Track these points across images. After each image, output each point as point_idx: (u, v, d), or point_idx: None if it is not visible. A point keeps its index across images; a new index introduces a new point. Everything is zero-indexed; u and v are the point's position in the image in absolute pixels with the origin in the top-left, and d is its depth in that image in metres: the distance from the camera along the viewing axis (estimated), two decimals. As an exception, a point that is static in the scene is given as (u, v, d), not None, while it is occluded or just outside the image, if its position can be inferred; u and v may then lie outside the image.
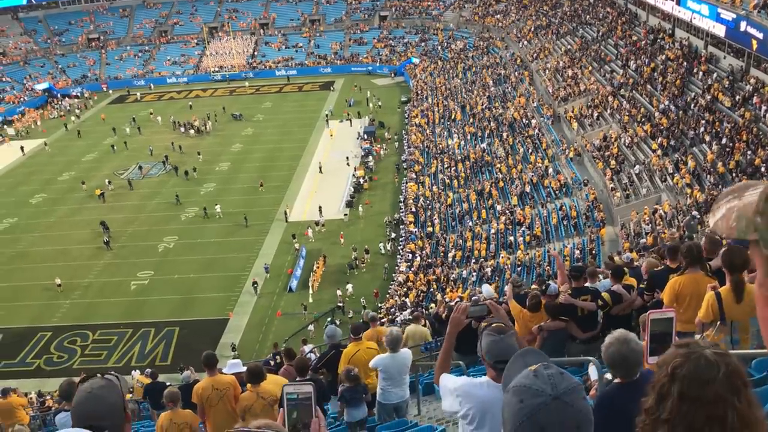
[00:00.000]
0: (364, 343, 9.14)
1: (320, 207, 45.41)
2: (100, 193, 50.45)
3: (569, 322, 8.49)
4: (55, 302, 37.93)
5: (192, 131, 62.81)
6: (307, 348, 16.20)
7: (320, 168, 52.98)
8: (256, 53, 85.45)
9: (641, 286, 8.88)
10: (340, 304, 35.76)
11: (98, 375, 2.58)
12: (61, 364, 32.53)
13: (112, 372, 2.65)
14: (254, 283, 37.94)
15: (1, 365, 33.18)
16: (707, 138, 33.86)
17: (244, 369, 7.78)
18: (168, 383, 11.73)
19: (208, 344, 32.81)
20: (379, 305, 34.40)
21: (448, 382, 3.84)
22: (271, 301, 37.01)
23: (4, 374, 31.36)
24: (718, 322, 5.83)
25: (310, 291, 37.49)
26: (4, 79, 79.76)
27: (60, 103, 75.93)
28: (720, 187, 29.36)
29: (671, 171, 33.82)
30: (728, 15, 35.99)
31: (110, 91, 79.87)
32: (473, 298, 12.13)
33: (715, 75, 38.47)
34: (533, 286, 13.48)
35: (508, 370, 2.50)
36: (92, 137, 64.69)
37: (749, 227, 0.98)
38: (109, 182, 52.35)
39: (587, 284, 9.03)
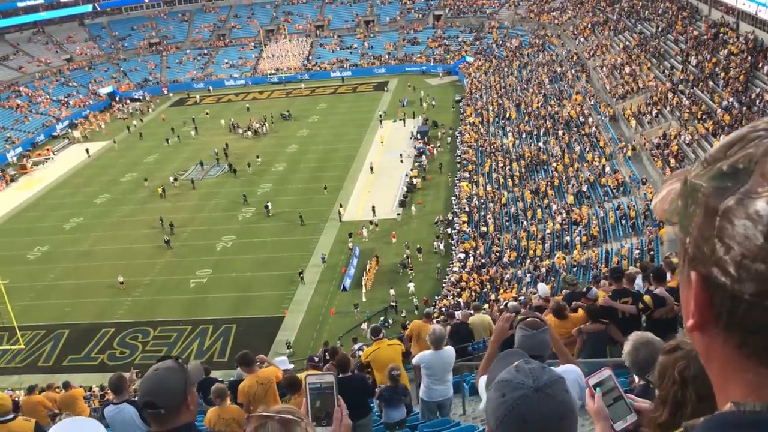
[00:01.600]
0: (384, 342, 9.25)
1: (373, 206, 45.62)
2: (162, 190, 52.09)
3: (609, 324, 8.36)
4: (117, 299, 39.18)
5: (249, 133, 63.94)
6: (356, 346, 16.34)
7: (371, 168, 53.23)
8: (311, 55, 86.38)
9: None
10: (393, 303, 35.86)
11: (172, 358, 2.72)
12: (123, 360, 33.56)
13: (182, 359, 2.81)
14: (300, 272, 39.07)
15: (67, 360, 34.51)
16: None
17: (291, 367, 7.92)
18: (220, 379, 11.97)
19: (264, 341, 33.56)
20: (434, 305, 34.37)
21: (482, 382, 3.91)
22: (325, 300, 37.40)
23: (70, 368, 32.64)
24: None
25: (363, 290, 37.73)
26: (70, 84, 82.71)
27: (123, 106, 78.30)
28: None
29: (734, 169, 32.70)
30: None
31: (171, 94, 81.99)
32: (520, 299, 12.01)
33: (781, 69, 37.09)
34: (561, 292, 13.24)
35: (492, 371, 2.50)
36: (154, 139, 66.55)
37: (674, 210, 0.98)
38: (175, 179, 54.09)
39: (628, 287, 8.86)
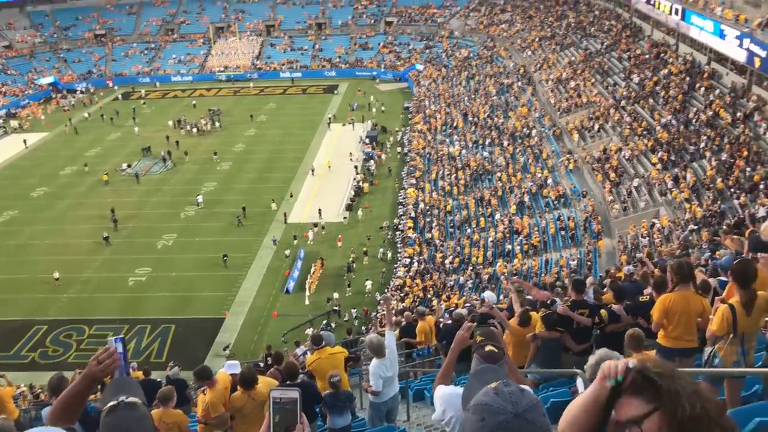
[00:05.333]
0: (326, 350, 9.28)
1: (320, 209, 45.56)
2: (107, 176, 52.37)
3: (564, 333, 8.59)
4: (52, 296, 38.01)
5: (195, 130, 62.99)
6: (299, 350, 16.29)
7: (312, 171, 53.17)
8: (261, 54, 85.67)
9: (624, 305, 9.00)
10: (336, 308, 35.84)
11: (127, 401, 2.44)
12: (56, 358, 32.59)
13: (134, 400, 2.50)
14: (224, 256, 40.11)
15: (-5, 357, 33.28)
16: (707, 153, 33.99)
17: (238, 371, 7.88)
18: (159, 380, 11.79)
19: (203, 343, 33.11)
20: (373, 316, 34.51)
21: (439, 391, 4.00)
22: (267, 302, 37.10)
23: (-2, 366, 31.46)
24: (731, 335, 5.93)
25: (307, 293, 37.60)
26: (8, 72, 79.94)
27: (65, 97, 76.08)
28: (719, 203, 29.50)
29: (670, 185, 33.93)
30: (732, 32, 36.14)
31: (115, 87, 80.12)
32: (467, 306, 12.13)
33: (717, 91, 38.62)
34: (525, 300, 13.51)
35: (468, 389, 2.55)
36: (95, 132, 64.89)
37: None
38: (129, 165, 54.87)
39: (586, 298, 9.12)
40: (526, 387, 1.93)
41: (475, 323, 4.57)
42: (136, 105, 72.06)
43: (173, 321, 35.29)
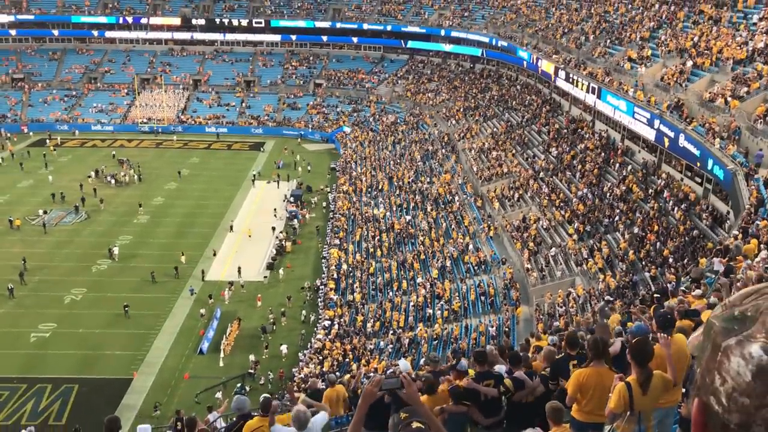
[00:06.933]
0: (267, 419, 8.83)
1: (239, 268, 44.61)
2: (17, 222, 50.74)
3: (471, 407, 8.45)
4: (-57, 351, 35.37)
5: (113, 181, 61.18)
6: (212, 416, 15.52)
7: (231, 227, 52.32)
8: (187, 108, 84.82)
9: (543, 373, 9.04)
10: (252, 371, 34.71)
11: None
12: (-59, 420, 30.06)
13: None
14: (125, 306, 39.04)
15: None
16: (621, 226, 35.36)
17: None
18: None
19: (108, 405, 31.21)
20: (292, 376, 33.63)
21: None
22: (179, 363, 35.58)
23: None
24: (628, 413, 5.97)
25: (222, 354, 36.32)
26: None
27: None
28: (631, 274, 30.55)
29: (586, 256, 34.99)
30: (643, 113, 38.23)
31: (30, 133, 77.19)
32: (388, 371, 11.91)
33: (630, 167, 40.54)
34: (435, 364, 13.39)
35: None
36: (5, 179, 62.07)
37: (697, 346, 1.13)
38: (45, 212, 52.98)
39: (491, 369, 9.05)
40: None
41: (384, 377, 4.36)
42: (47, 151, 69.58)
43: (77, 380, 33.26)
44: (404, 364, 12.78)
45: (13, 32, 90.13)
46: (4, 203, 56.16)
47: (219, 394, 31.48)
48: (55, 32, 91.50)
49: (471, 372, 9.04)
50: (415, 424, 3.66)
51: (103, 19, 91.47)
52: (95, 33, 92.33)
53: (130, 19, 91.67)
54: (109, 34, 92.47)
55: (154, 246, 48.79)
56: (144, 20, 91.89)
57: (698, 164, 32.26)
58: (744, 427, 0.94)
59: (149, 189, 60.97)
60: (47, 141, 73.83)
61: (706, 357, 1.05)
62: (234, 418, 9.70)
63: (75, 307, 40.18)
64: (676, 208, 33.28)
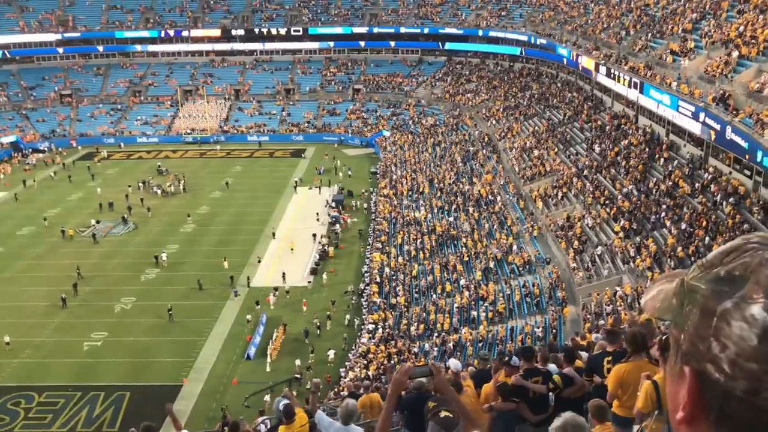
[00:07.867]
0: (297, 423, 8.97)
1: (284, 273, 45.01)
2: (71, 232, 52.16)
3: (520, 403, 8.39)
4: (1, 361, 36.44)
5: (159, 191, 62.43)
6: (260, 420, 15.65)
7: (273, 234, 52.74)
8: (229, 118, 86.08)
9: (577, 366, 8.97)
10: (298, 375, 34.95)
11: None
12: (1, 428, 30.97)
13: None
14: (169, 309, 40.31)
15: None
16: (668, 223, 34.61)
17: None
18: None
19: (159, 411, 31.56)
20: (339, 378, 33.77)
21: None
22: (227, 369, 36.05)
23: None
24: (656, 412, 5.84)
25: (268, 360, 36.67)
26: (-30, 130, 78.86)
27: (25, 156, 75.07)
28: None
29: (632, 254, 34.33)
30: (688, 107, 37.38)
31: (79, 147, 79.33)
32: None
33: (675, 162, 39.68)
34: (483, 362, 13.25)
35: None
36: (56, 192, 63.88)
37: (667, 308, 1.06)
38: (97, 222, 54.72)
39: (539, 366, 8.98)
40: None
41: (414, 365, 4.34)
42: (91, 164, 71.35)
43: (128, 388, 33.96)
44: (455, 363, 12.68)
45: (60, 50, 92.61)
46: (56, 215, 57.75)
47: (267, 398, 31.77)
48: (100, 48, 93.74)
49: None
50: (443, 413, 3.65)
51: (145, 34, 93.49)
52: (138, 47, 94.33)
53: (171, 33, 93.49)
54: (151, 47, 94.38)
55: (200, 254, 49.61)
56: (185, 33, 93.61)
57: (747, 157, 31.40)
58: (752, 393, 0.89)
59: (194, 198, 62.03)
60: (94, 155, 75.73)
61: (694, 323, 0.97)
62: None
63: (125, 316, 41.07)
64: (724, 203, 32.44)
